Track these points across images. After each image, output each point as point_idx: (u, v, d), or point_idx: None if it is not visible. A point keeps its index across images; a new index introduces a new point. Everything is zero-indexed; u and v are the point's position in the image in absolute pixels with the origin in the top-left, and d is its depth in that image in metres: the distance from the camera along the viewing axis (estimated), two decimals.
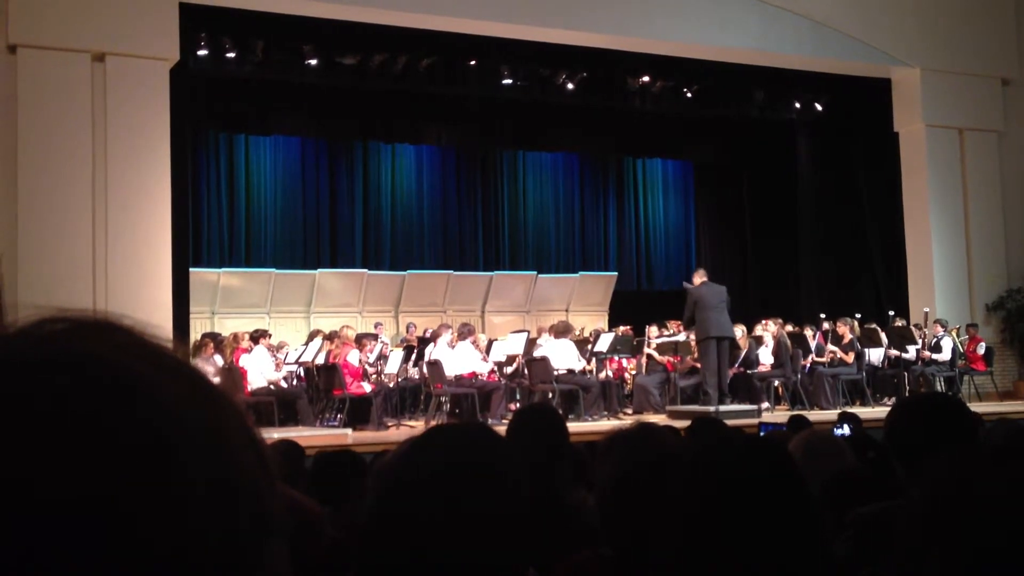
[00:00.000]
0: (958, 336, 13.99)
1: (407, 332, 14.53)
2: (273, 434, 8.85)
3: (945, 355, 13.33)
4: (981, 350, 13.97)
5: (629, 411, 12.69)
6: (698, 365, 12.14)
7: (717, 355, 11.39)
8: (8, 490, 0.47)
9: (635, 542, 1.96)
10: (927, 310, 14.15)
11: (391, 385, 12.13)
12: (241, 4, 11.88)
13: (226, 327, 13.93)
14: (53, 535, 0.46)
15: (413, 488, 1.37)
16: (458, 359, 11.46)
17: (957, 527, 1.20)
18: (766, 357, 12.87)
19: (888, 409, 2.80)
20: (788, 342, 12.78)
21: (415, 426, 11.02)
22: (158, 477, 0.49)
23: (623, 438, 2.14)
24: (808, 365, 12.88)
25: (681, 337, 12.91)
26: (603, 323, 16.67)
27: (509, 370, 12.30)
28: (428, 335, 12.67)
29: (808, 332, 13.37)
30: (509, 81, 14.44)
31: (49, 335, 0.53)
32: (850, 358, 12.80)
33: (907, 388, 12.94)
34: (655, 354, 12.95)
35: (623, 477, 2.03)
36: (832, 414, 9.12)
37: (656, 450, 2.04)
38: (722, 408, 10.85)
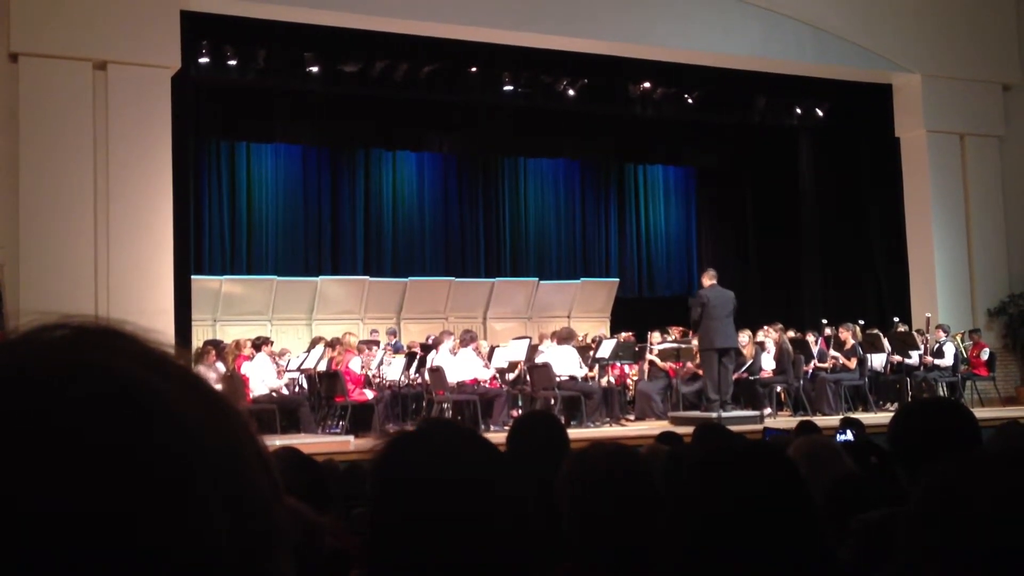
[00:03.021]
0: (963, 341, 13.98)
1: (388, 336, 14.22)
2: (275, 441, 8.84)
3: (947, 360, 13.31)
4: (985, 355, 13.96)
5: (631, 417, 12.68)
6: (699, 372, 12.14)
7: (719, 365, 11.37)
8: (11, 506, 0.46)
9: (609, 554, 1.98)
10: (929, 315, 14.14)
11: (386, 386, 12.10)
12: (242, 12, 11.90)
13: (228, 334, 13.93)
14: (61, 553, 0.46)
15: (409, 493, 1.38)
16: (460, 366, 11.46)
17: (956, 533, 1.20)
18: (768, 363, 12.86)
19: (891, 415, 2.79)
20: (790, 348, 12.76)
21: None
22: (170, 490, 0.49)
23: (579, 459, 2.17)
24: (810, 371, 12.86)
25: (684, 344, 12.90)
26: (605, 329, 16.65)
27: (511, 377, 12.29)
28: (430, 341, 12.66)
29: (810, 338, 13.36)
30: (510, 88, 14.46)
31: (51, 342, 0.52)
32: (852, 364, 12.79)
33: (909, 393, 12.92)
34: (657, 360, 12.94)
35: (585, 492, 2.07)
36: (834, 420, 9.10)
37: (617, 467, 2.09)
38: (725, 414, 10.83)
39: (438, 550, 1.34)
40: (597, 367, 12.44)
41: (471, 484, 1.38)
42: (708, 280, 11.60)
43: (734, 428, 6.71)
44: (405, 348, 13.13)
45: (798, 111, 16.20)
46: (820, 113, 16.22)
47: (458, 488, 1.37)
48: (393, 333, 14.48)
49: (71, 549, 0.46)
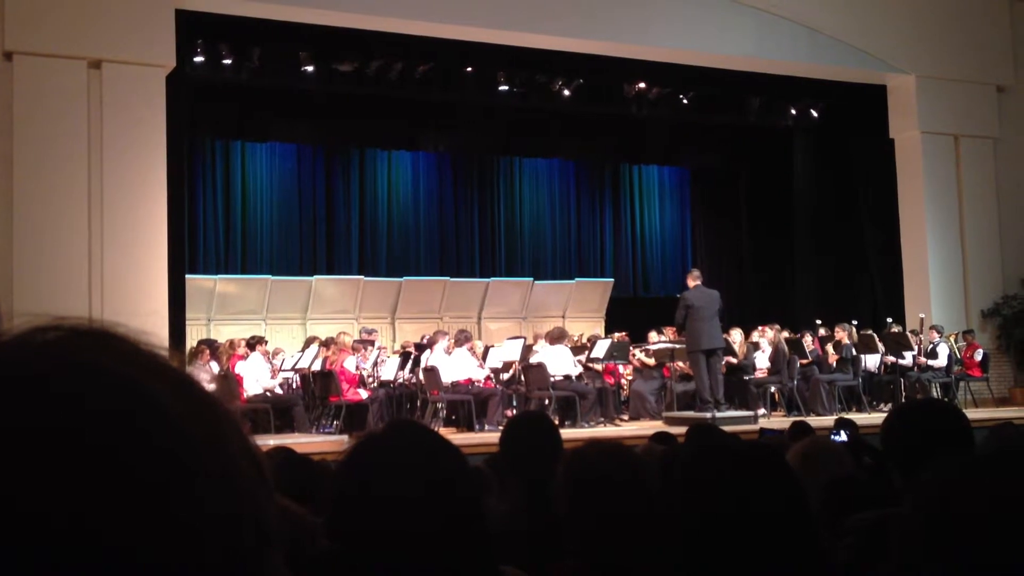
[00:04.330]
0: (956, 342, 14.00)
1: (364, 335, 13.90)
2: (269, 441, 8.83)
3: (941, 361, 13.34)
4: (979, 356, 13.99)
5: (625, 417, 12.69)
6: (683, 366, 12.21)
7: (708, 366, 11.38)
8: (3, 506, 0.46)
9: (609, 553, 1.98)
10: (923, 316, 14.17)
11: (376, 384, 12.08)
12: (237, 11, 11.89)
13: (222, 334, 13.90)
14: (52, 554, 0.46)
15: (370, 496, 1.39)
16: (454, 366, 11.46)
17: (951, 535, 1.20)
18: (763, 362, 12.87)
19: (884, 415, 2.80)
20: (786, 348, 12.78)
21: None
22: (161, 491, 0.49)
23: (578, 456, 2.16)
24: (799, 364, 12.88)
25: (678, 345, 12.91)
26: (599, 329, 16.66)
27: (506, 376, 12.28)
28: (425, 341, 12.66)
29: (808, 338, 13.37)
30: (506, 87, 14.46)
31: (43, 344, 0.52)
32: (833, 359, 12.82)
33: (903, 394, 12.95)
34: (645, 359, 12.95)
35: (579, 491, 2.06)
36: (829, 420, 9.12)
37: (608, 465, 2.08)
38: (719, 414, 10.85)
39: (402, 549, 1.35)
40: (592, 367, 12.44)
41: (433, 486, 1.39)
42: (692, 281, 11.59)
43: (728, 428, 6.72)
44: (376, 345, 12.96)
45: (793, 112, 16.22)
46: (815, 114, 16.24)
47: (421, 490, 1.38)
48: (368, 332, 14.16)
49: (64, 548, 0.46)
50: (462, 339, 11.83)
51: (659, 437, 5.21)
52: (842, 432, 5.43)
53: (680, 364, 12.49)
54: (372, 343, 12.94)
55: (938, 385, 13.31)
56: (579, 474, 2.08)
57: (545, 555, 2.23)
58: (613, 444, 2.21)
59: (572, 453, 2.19)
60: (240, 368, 11.56)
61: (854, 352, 12.88)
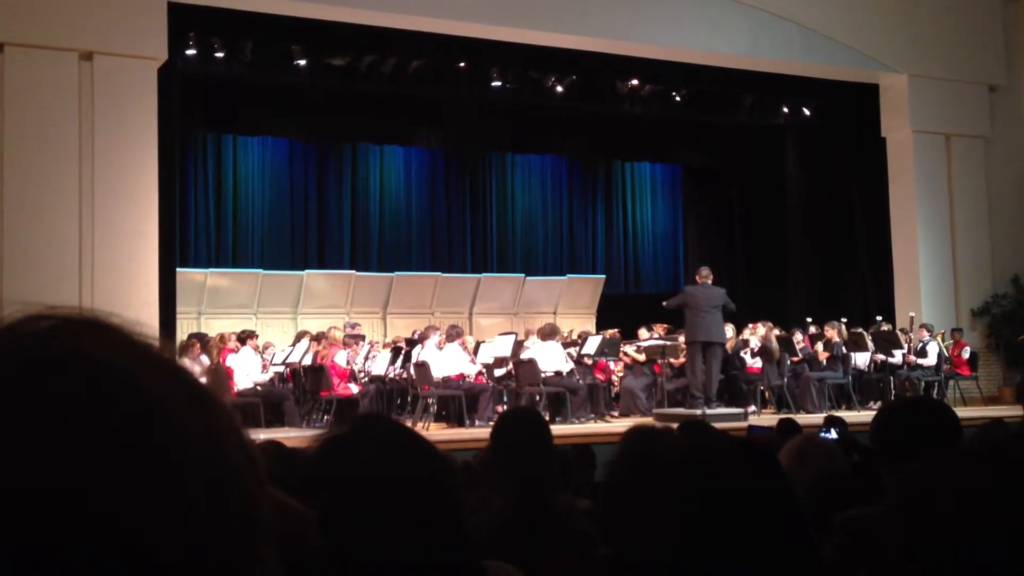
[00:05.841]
0: (943, 341, 14.05)
1: (348, 330, 13.74)
2: (259, 435, 8.82)
3: (930, 360, 13.38)
4: (966, 354, 14.02)
5: (616, 413, 12.71)
6: (674, 362, 12.27)
7: (703, 360, 11.43)
8: None
9: (628, 542, 1.96)
10: (913, 314, 14.20)
11: (367, 379, 12.04)
12: (230, 4, 11.84)
13: (213, 327, 13.88)
14: (43, 543, 0.46)
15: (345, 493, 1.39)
16: (446, 361, 11.45)
17: (931, 532, 1.21)
18: (753, 359, 12.89)
19: (874, 413, 2.81)
20: (775, 345, 12.81)
21: None
22: (151, 480, 0.49)
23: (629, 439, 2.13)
24: (788, 363, 12.91)
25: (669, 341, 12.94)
26: (591, 326, 16.68)
27: (498, 373, 12.28)
28: (416, 336, 12.65)
29: (798, 336, 13.39)
30: (499, 84, 14.44)
31: (36, 333, 0.52)
32: (823, 356, 12.85)
33: (893, 392, 12.98)
34: (635, 354, 12.97)
35: (615, 477, 2.03)
36: (818, 418, 9.14)
37: (646, 451, 2.05)
38: (709, 411, 10.87)
39: (375, 547, 1.34)
40: (583, 363, 12.45)
41: (404, 482, 1.39)
42: (699, 278, 11.74)
43: (718, 425, 6.72)
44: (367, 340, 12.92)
45: (785, 110, 16.24)
46: (807, 112, 16.26)
47: (391, 486, 1.37)
48: (352, 327, 14.05)
49: (52, 537, 0.46)
50: (453, 334, 11.83)
51: None
52: (832, 430, 5.44)
53: (672, 360, 12.53)
54: (363, 337, 12.93)
55: (926, 383, 13.34)
56: (649, 458, 2.02)
57: (537, 550, 2.23)
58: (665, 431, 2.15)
59: (633, 436, 2.12)
60: (231, 362, 11.55)
61: (844, 350, 12.91)
